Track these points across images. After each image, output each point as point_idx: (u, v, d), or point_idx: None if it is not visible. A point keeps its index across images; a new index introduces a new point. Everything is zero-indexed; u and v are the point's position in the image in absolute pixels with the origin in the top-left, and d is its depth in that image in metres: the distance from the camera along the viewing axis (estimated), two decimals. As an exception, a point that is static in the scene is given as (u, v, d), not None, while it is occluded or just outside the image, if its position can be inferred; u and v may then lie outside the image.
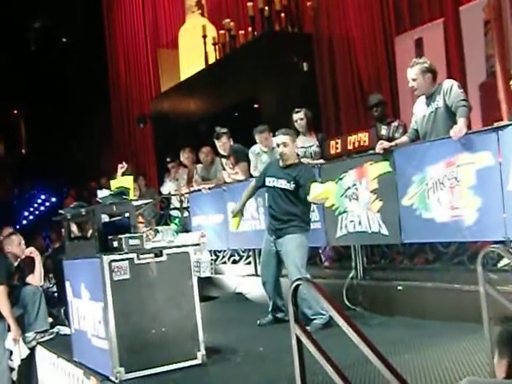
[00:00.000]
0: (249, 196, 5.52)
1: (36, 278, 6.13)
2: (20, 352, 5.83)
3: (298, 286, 2.41)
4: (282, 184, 5.04)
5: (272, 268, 5.19)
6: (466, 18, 6.98)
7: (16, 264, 6.16)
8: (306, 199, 4.91)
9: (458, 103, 4.65)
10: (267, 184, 5.18)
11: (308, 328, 4.62)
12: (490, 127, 4.41)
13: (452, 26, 7.15)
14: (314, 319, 4.82)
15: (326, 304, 2.32)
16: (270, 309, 5.31)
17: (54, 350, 5.37)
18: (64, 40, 17.13)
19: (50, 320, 6.21)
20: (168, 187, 9.18)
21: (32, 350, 5.88)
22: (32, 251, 6.28)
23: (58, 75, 17.00)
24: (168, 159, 9.08)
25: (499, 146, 4.19)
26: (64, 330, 5.85)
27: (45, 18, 16.62)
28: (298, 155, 6.13)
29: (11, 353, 6.14)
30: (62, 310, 6.32)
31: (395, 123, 6.12)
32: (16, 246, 6.18)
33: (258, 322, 5.36)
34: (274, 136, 6.54)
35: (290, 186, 5.00)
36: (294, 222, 5.00)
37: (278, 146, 5.13)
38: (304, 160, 5.96)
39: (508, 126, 4.24)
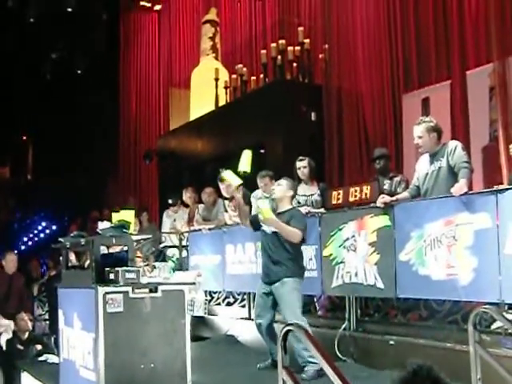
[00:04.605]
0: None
1: None
2: None
3: (288, 331, 2.43)
4: (273, 228, 5.10)
5: (266, 311, 5.17)
6: (472, 83, 7.13)
7: None
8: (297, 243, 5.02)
9: (460, 164, 4.76)
10: (263, 228, 5.22)
11: (303, 375, 4.64)
12: (489, 189, 4.48)
13: (458, 88, 7.30)
14: (312, 362, 4.71)
15: (315, 352, 2.34)
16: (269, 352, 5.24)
17: (41, 378, 5.32)
18: (78, 72, 17.47)
19: (40, 347, 6.17)
20: (165, 224, 9.16)
21: None
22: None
23: (69, 105, 17.27)
24: (170, 201, 9.07)
25: (497, 209, 4.25)
26: (52, 358, 5.81)
27: (61, 50, 16.99)
28: (298, 203, 6.23)
29: None
30: (53, 338, 6.29)
31: (398, 178, 6.21)
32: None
33: (258, 365, 5.26)
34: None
35: None
36: (286, 267, 5.03)
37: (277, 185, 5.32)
38: (305, 208, 6.03)
39: (507, 189, 4.31)
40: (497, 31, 6.68)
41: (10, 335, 5.93)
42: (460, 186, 4.51)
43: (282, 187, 5.23)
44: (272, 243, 5.13)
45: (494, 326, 4.38)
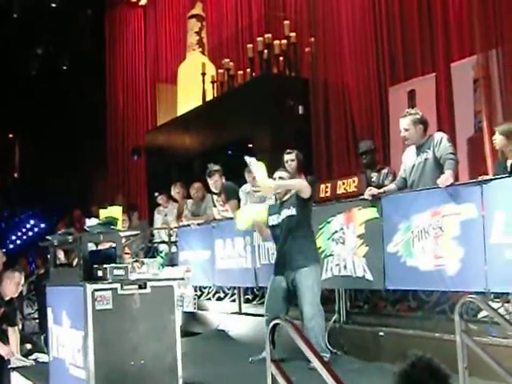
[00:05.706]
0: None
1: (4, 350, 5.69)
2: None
3: (276, 324, 2.45)
4: (287, 213, 5.03)
5: (279, 306, 5.06)
6: (456, 75, 7.19)
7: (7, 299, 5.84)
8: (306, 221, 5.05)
9: (446, 156, 4.80)
10: (272, 223, 5.18)
11: (311, 365, 4.61)
12: (474, 180, 4.53)
13: (443, 80, 7.36)
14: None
15: (302, 345, 2.36)
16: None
17: (31, 377, 5.31)
18: (64, 68, 17.35)
19: (29, 347, 6.13)
20: (157, 221, 9.17)
21: None
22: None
23: (55, 102, 17.14)
24: (156, 194, 9.08)
25: (483, 199, 4.29)
26: (42, 357, 5.78)
27: (46, 45, 16.85)
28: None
29: None
30: (43, 337, 6.26)
31: (385, 170, 6.25)
32: (14, 284, 5.84)
33: (250, 359, 5.19)
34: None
35: (292, 211, 5.00)
36: (301, 256, 4.94)
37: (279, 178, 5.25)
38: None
39: (492, 180, 4.35)
40: (480, 24, 6.74)
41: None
42: (446, 178, 4.56)
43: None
44: (283, 235, 5.05)
45: (481, 315, 4.43)
